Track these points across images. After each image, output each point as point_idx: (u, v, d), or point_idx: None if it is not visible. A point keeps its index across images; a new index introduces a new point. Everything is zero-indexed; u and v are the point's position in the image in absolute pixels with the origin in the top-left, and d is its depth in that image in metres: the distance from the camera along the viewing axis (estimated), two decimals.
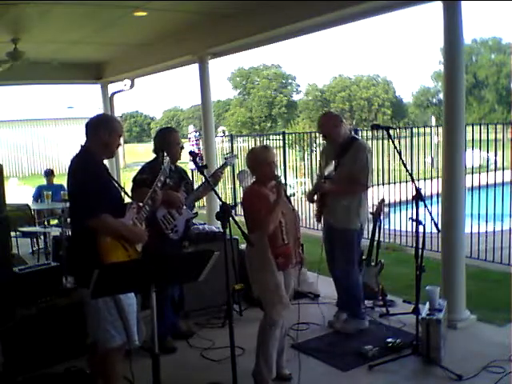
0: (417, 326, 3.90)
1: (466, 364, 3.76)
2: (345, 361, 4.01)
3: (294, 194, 11.77)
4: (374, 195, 7.15)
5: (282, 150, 9.84)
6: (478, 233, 7.08)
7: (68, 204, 3.27)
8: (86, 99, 25.08)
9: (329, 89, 55.86)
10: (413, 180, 4.07)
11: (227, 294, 3.11)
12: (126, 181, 4.25)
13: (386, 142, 7.90)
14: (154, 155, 4.29)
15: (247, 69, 59.40)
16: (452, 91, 4.42)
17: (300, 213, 6.35)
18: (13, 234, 6.63)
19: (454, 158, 4.46)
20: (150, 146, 4.55)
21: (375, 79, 56.00)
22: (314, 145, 10.62)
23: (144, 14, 5.99)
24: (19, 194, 11.46)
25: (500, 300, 4.92)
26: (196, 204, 4.72)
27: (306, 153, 12.30)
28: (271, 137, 12.43)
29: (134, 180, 4.16)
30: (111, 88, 10.30)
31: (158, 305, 2.62)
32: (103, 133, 3.08)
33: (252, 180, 3.69)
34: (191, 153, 3.74)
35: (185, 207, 4.26)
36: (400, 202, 7.96)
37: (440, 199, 4.74)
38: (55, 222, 8.02)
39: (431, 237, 5.82)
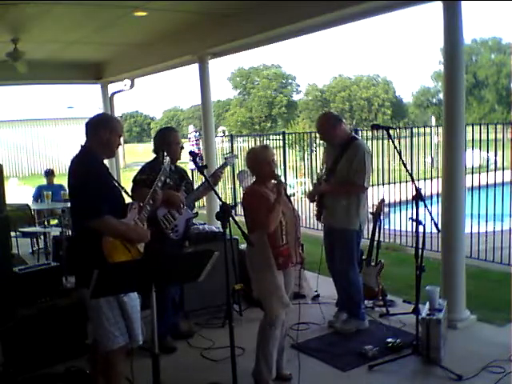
0: (417, 326, 3.90)
1: (465, 364, 3.76)
2: (345, 361, 4.00)
3: (293, 194, 11.78)
4: (374, 195, 7.16)
5: (281, 149, 9.85)
6: (478, 233, 7.08)
7: (68, 204, 3.27)
8: (86, 99, 25.14)
9: (329, 89, 55.89)
10: (413, 180, 4.06)
11: (227, 294, 3.11)
12: (126, 181, 4.24)
13: (385, 141, 7.90)
14: (154, 155, 4.29)
15: (247, 69, 59.45)
16: (452, 91, 4.42)
17: (300, 213, 6.34)
18: (13, 234, 6.63)
19: (454, 158, 4.46)
20: (150, 146, 4.55)
21: (375, 79, 56.03)
22: (314, 145, 10.62)
23: (144, 13, 5.99)
24: (19, 193, 11.46)
25: (500, 300, 4.92)
26: (196, 204, 4.72)
27: (305, 153, 12.30)
28: (271, 137, 12.43)
29: (134, 180, 4.16)
30: (111, 88, 10.30)
31: (158, 305, 2.62)
32: (103, 132, 3.07)
33: (252, 180, 3.69)
34: (191, 153, 3.73)
35: (185, 207, 4.27)
36: (400, 202, 7.96)
37: (440, 199, 4.74)
38: (55, 222, 8.01)
39: (431, 237, 5.82)
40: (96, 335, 3.08)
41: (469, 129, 8.20)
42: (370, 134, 9.14)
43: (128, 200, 3.33)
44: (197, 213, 4.54)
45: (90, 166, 3.01)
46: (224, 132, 25.10)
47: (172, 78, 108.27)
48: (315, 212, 4.80)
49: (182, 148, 4.32)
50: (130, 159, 28.13)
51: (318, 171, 4.94)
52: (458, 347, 4.11)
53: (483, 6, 79.75)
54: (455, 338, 4.25)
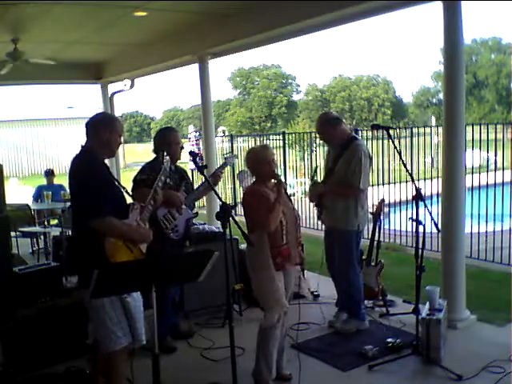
0: (417, 326, 3.90)
1: (465, 364, 3.76)
2: (345, 361, 4.00)
3: (293, 194, 11.78)
4: (374, 195, 7.16)
5: (282, 149, 9.85)
6: (478, 233, 7.08)
7: (68, 204, 3.27)
8: (86, 99, 25.18)
9: (329, 89, 55.89)
10: (413, 180, 4.06)
11: (227, 294, 3.11)
12: (126, 181, 4.24)
13: (385, 142, 7.90)
14: (154, 155, 4.29)
15: (247, 69, 59.46)
16: (452, 91, 4.42)
17: (300, 213, 6.35)
18: (13, 234, 6.63)
19: (454, 158, 4.46)
20: (150, 146, 4.55)
21: (375, 79, 56.03)
22: (314, 145, 10.62)
23: (144, 13, 6.00)
24: (19, 193, 11.47)
25: (500, 300, 4.92)
26: (196, 204, 4.72)
27: (305, 153, 12.30)
28: (271, 137, 12.43)
29: (134, 180, 4.16)
30: (111, 88, 10.31)
31: (158, 305, 2.62)
32: (104, 132, 3.07)
33: (252, 180, 3.69)
34: (191, 153, 3.74)
35: (185, 207, 4.27)
36: (400, 202, 7.96)
37: (440, 199, 4.74)
38: (55, 222, 8.01)
39: (431, 237, 5.82)
40: (97, 335, 3.07)
41: (469, 129, 8.20)
42: (369, 133, 9.14)
43: (129, 200, 3.33)
44: (197, 213, 4.54)
45: (91, 166, 3.00)
46: (224, 132, 25.11)
47: (172, 78, 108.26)
48: (316, 212, 4.80)
49: (182, 148, 4.32)
50: (130, 159, 28.13)
51: (313, 171, 4.96)
52: (458, 347, 4.10)
53: (483, 5, 79.77)
54: (455, 338, 4.25)
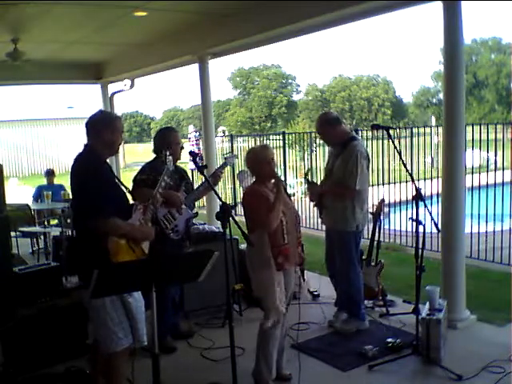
0: (417, 326, 3.90)
1: (465, 364, 3.76)
2: (345, 361, 4.00)
3: (294, 194, 11.78)
4: (374, 195, 7.16)
5: (282, 150, 9.84)
6: (478, 233, 7.08)
7: (68, 204, 3.27)
8: (86, 99, 25.11)
9: (329, 89, 55.90)
10: (413, 180, 4.06)
11: (227, 294, 3.11)
12: (126, 181, 4.24)
13: (385, 141, 7.90)
14: (154, 155, 4.29)
15: (247, 69, 59.46)
16: (452, 91, 4.42)
17: (300, 213, 6.35)
18: (13, 234, 6.63)
19: (454, 158, 4.46)
20: (150, 146, 4.55)
21: (375, 79, 56.04)
22: (314, 145, 10.62)
23: (144, 13, 6.00)
24: (19, 193, 11.47)
25: (500, 300, 4.92)
26: (196, 204, 4.72)
27: (305, 153, 12.31)
28: (271, 137, 12.43)
29: (134, 180, 4.16)
30: (111, 88, 10.31)
31: (158, 305, 2.62)
32: (105, 132, 3.06)
33: (252, 180, 3.69)
34: (191, 153, 3.73)
35: (185, 207, 4.27)
36: (400, 202, 7.96)
37: (440, 199, 4.74)
38: (55, 222, 8.01)
39: (431, 237, 5.82)
40: (98, 336, 3.07)
41: (469, 129, 8.20)
42: (369, 133, 9.13)
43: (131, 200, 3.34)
44: (197, 213, 4.54)
45: (92, 165, 3.00)
46: (224, 132, 25.12)
47: (172, 78, 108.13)
48: (318, 213, 4.80)
49: (182, 148, 4.32)
50: (130, 159, 28.11)
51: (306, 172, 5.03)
52: (458, 347, 4.11)
53: (483, 5, 79.75)
54: (455, 338, 4.25)
